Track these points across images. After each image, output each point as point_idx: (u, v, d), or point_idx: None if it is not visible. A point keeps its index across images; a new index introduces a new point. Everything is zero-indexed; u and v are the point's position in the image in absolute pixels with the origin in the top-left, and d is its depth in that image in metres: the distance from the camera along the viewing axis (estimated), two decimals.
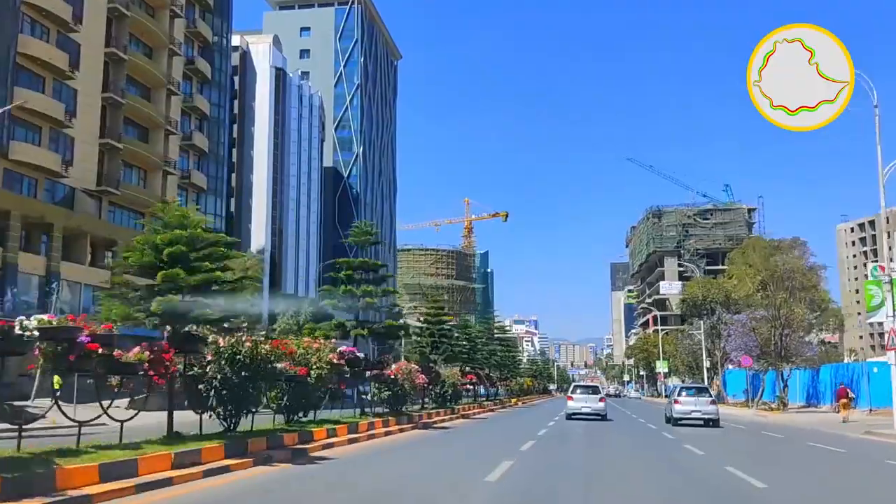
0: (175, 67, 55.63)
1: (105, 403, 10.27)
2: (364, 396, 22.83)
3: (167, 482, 9.05)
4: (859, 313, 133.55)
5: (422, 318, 29.69)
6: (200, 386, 11.80)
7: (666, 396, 55.14)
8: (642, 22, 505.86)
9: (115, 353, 9.74)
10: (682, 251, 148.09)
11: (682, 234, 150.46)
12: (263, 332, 12.24)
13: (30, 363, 9.60)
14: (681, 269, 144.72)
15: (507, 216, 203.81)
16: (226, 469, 10.44)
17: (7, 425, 9.12)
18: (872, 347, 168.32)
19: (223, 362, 11.49)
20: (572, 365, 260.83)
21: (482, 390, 55.49)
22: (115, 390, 10.78)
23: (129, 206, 50.38)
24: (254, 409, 12.68)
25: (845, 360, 66.12)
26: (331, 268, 21.45)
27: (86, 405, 11.89)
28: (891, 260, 22.85)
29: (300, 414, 15.71)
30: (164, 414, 11.89)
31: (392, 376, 21.79)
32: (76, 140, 45.14)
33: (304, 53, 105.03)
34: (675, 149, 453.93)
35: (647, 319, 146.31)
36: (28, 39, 41.31)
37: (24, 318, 8.82)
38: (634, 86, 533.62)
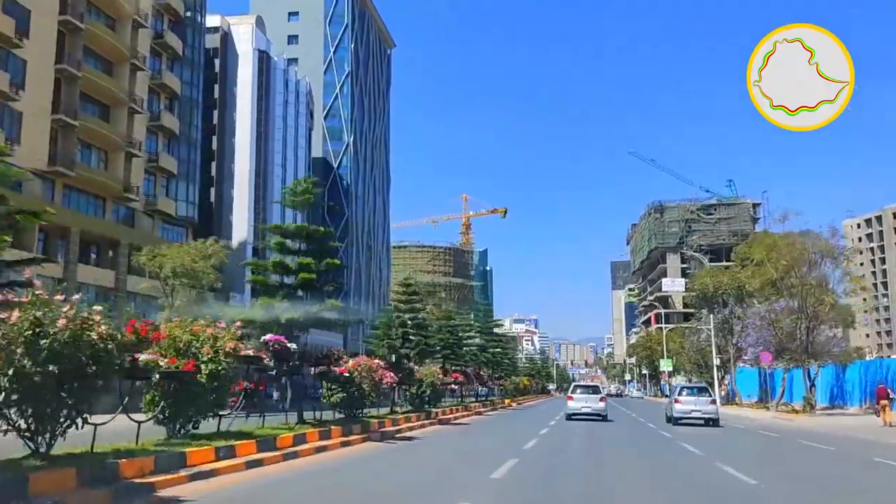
0: (141, 41, 51.41)
1: None
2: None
3: None
4: (865, 311, 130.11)
5: (391, 305, 25.22)
6: None
7: (667, 396, 51.73)
8: (643, 16, 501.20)
9: None
10: (684, 247, 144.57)
11: (685, 230, 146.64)
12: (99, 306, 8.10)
13: None
14: (683, 265, 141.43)
15: (505, 212, 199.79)
16: None
17: None
18: (879, 346, 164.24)
19: (16, 348, 7.28)
20: (572, 364, 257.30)
21: (479, 390, 51.38)
22: None
23: (88, 190, 46.21)
24: (78, 419, 8.25)
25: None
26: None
27: None
28: None
29: (190, 425, 11.35)
30: None
31: (346, 374, 17.59)
32: (24, 115, 41.00)
33: (293, 39, 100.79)
34: (676, 145, 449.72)
35: (650, 317, 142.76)
36: None
37: None
38: (635, 81, 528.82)
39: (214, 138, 74.35)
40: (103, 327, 8.09)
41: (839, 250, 36.15)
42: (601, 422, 28.73)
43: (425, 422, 23.06)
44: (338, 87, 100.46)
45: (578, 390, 32.27)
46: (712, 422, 27.53)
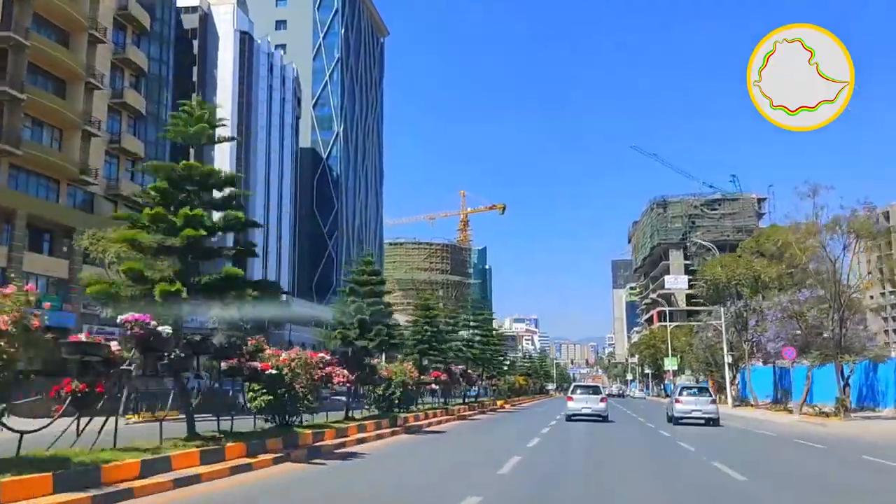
0: (103, 11, 47.29)
1: None
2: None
3: None
4: (871, 309, 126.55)
5: (346, 288, 20.81)
6: None
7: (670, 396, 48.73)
8: (645, 9, 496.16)
9: None
10: (688, 244, 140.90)
11: (689, 226, 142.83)
12: None
13: None
14: (687, 262, 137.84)
15: (504, 208, 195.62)
16: None
17: None
18: (886, 344, 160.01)
19: None
20: (572, 363, 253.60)
21: (471, 391, 47.12)
22: None
23: (38, 171, 42.11)
24: None
25: None
26: (158, 191, 12.56)
27: None
28: None
29: None
30: None
31: (272, 371, 13.44)
32: None
33: (280, 25, 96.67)
34: (678, 141, 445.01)
35: (652, 315, 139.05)
36: None
37: None
38: (636, 76, 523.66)
39: None
40: None
41: (878, 228, 31.78)
42: (602, 422, 28.32)
43: (386, 430, 18.69)
44: (327, 75, 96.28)
45: (578, 391, 31.94)
46: (712, 421, 27.91)
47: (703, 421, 27.69)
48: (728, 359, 45.50)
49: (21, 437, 8.33)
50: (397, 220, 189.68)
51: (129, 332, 9.78)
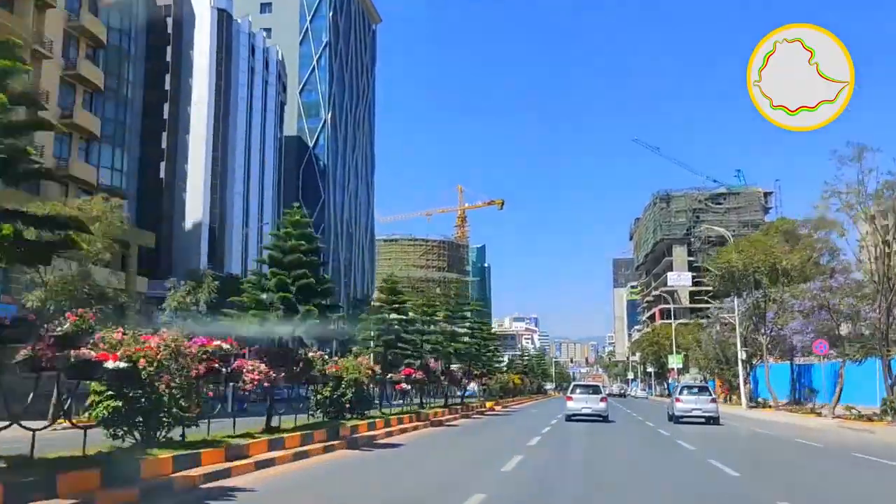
0: None
1: None
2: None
3: None
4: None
5: (265, 257, 15.85)
6: None
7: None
8: (644, 7, 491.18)
9: None
10: (691, 239, 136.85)
11: (693, 220, 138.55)
12: None
13: None
14: (690, 258, 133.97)
15: (503, 204, 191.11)
16: None
17: None
18: None
19: None
20: (572, 361, 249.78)
21: (468, 390, 42.79)
22: None
23: None
24: None
25: None
26: None
27: None
28: None
29: None
30: None
31: (120, 365, 9.09)
32: None
33: (266, 8, 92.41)
34: (681, 136, 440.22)
35: (654, 313, 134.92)
36: None
37: None
38: (638, 70, 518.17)
39: (167, 105, 65.99)
40: None
41: None
42: (602, 423, 27.96)
43: (317, 445, 13.76)
44: (315, 59, 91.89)
45: (578, 390, 31.58)
46: (713, 420, 28.29)
47: (703, 420, 28.30)
48: (742, 355, 41.00)
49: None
50: (393, 216, 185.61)
51: None
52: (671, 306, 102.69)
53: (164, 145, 65.09)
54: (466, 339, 33.23)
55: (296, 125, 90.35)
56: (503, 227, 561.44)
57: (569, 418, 28.86)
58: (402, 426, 20.01)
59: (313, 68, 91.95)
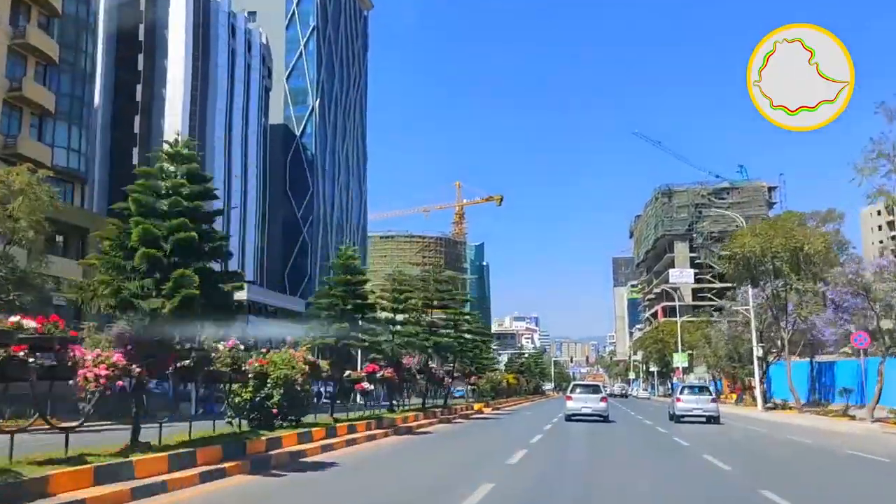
0: None
1: None
2: None
3: None
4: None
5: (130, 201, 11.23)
6: None
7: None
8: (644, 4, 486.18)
9: None
10: (693, 235, 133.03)
11: (695, 216, 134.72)
12: None
13: None
14: (692, 255, 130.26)
15: (501, 200, 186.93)
16: None
17: None
18: None
19: None
20: (572, 361, 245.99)
21: (461, 390, 38.75)
22: None
23: None
24: None
25: None
26: None
27: None
28: None
29: None
30: None
31: None
32: None
33: None
34: (682, 131, 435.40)
35: (656, 310, 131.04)
36: None
37: None
38: (639, 64, 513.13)
39: (139, 87, 62.08)
40: None
41: None
42: (603, 423, 27.68)
43: (187, 473, 9.45)
44: (302, 44, 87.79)
45: (578, 390, 31.34)
46: (713, 419, 28.65)
47: (704, 419, 28.68)
48: (758, 351, 36.97)
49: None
50: (391, 212, 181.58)
51: None
52: (675, 303, 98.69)
53: (136, 130, 61.20)
54: (450, 331, 29.04)
55: (282, 113, 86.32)
56: (503, 228, 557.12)
57: (568, 418, 28.69)
58: (351, 436, 15.95)
59: (300, 53, 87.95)
